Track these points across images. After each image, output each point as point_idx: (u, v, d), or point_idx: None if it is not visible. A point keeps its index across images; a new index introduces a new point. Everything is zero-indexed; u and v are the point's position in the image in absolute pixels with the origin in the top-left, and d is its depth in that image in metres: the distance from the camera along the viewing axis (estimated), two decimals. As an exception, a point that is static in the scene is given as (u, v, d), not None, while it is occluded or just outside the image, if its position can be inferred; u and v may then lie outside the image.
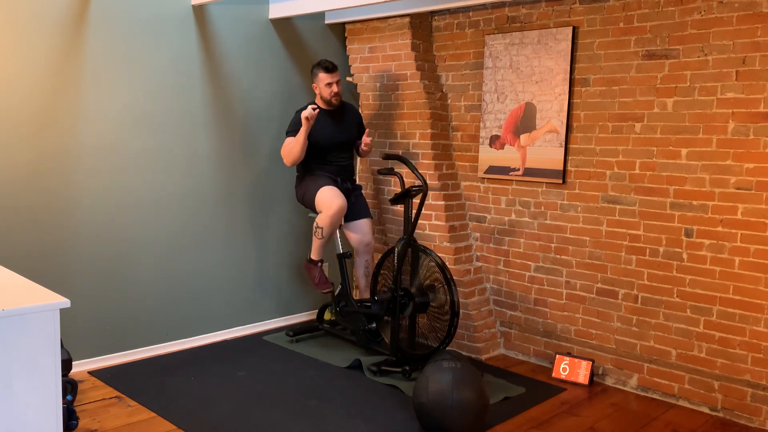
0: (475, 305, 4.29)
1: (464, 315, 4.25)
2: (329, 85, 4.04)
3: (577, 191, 3.91)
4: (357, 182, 4.65)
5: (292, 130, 4.06)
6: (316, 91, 4.12)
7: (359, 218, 4.26)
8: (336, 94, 4.07)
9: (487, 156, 4.30)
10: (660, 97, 3.56)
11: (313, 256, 4.22)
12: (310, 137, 4.03)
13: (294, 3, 4.27)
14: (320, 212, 4.03)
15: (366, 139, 4.15)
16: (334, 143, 4.14)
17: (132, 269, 3.93)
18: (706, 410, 3.48)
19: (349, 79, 4.88)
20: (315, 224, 4.07)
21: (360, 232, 4.24)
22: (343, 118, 4.20)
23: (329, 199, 3.98)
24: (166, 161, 4.02)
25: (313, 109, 3.88)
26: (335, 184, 4.14)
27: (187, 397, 3.43)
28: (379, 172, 3.99)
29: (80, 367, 3.73)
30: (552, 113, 3.96)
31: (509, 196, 4.25)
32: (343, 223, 4.28)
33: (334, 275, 4.96)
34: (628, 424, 3.30)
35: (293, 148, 4.00)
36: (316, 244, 4.16)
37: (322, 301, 4.93)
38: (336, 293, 4.33)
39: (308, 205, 4.18)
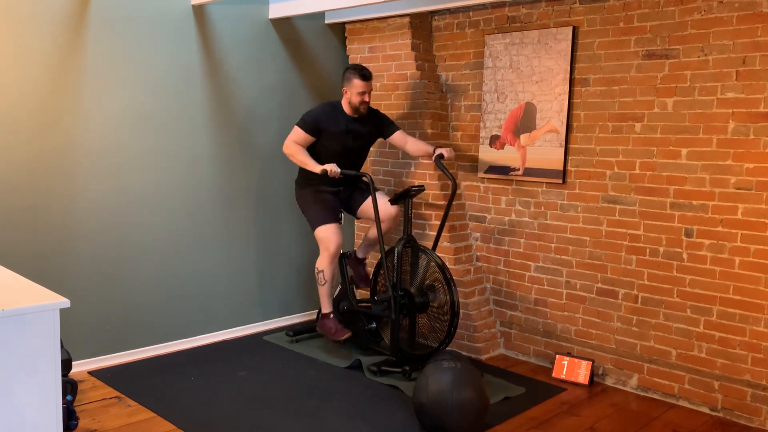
0: (475, 305, 4.29)
1: (464, 315, 4.25)
2: (362, 93, 3.86)
3: (577, 191, 3.91)
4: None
5: (305, 126, 3.88)
6: (345, 95, 3.92)
7: (366, 196, 4.08)
8: (365, 104, 3.91)
9: (487, 156, 4.30)
10: (660, 97, 3.56)
11: (324, 309, 4.05)
12: (323, 140, 3.93)
13: (294, 3, 4.27)
14: (318, 244, 3.94)
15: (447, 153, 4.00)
16: (347, 149, 4.00)
17: (132, 269, 3.93)
18: (706, 410, 3.48)
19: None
20: (316, 269, 3.98)
21: (374, 205, 3.92)
22: (363, 125, 4.02)
23: (327, 238, 3.89)
24: (166, 161, 4.02)
25: (336, 175, 3.80)
26: (334, 198, 4.03)
27: (187, 397, 3.43)
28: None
29: (80, 367, 3.73)
30: (552, 113, 3.96)
31: (509, 196, 4.24)
32: (356, 218, 4.19)
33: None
34: (628, 424, 3.30)
35: (297, 156, 3.86)
36: (322, 293, 4.01)
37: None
38: (336, 294, 4.33)
39: (306, 218, 4.07)
